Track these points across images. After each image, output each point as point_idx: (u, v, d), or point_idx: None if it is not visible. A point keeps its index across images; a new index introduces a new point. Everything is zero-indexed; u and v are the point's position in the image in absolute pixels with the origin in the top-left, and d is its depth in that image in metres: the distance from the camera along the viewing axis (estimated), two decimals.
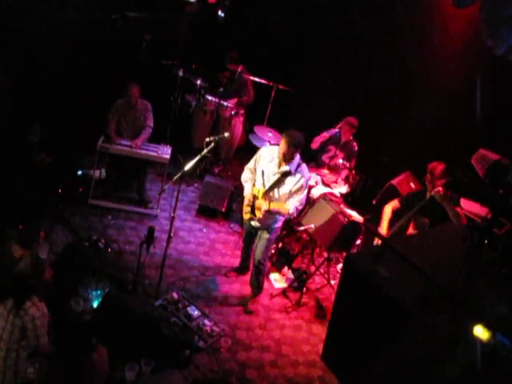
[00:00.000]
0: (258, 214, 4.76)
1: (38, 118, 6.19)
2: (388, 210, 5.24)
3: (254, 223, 4.91)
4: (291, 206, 4.63)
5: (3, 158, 5.55)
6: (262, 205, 4.67)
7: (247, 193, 4.89)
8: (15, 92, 6.06)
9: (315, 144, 6.51)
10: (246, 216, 4.94)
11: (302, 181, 4.61)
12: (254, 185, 4.84)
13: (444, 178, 4.83)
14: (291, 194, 4.64)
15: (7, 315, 3.54)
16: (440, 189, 4.76)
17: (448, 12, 5.79)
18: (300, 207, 4.77)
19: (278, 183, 4.66)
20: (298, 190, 4.63)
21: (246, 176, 4.96)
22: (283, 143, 4.50)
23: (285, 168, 4.60)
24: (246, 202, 4.89)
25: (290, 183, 4.62)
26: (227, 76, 7.80)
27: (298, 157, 4.64)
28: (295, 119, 7.79)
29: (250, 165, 4.92)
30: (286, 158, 4.57)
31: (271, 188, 4.68)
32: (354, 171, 6.43)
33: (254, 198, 4.79)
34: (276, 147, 4.69)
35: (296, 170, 4.61)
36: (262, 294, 5.38)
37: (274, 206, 4.65)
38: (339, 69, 7.28)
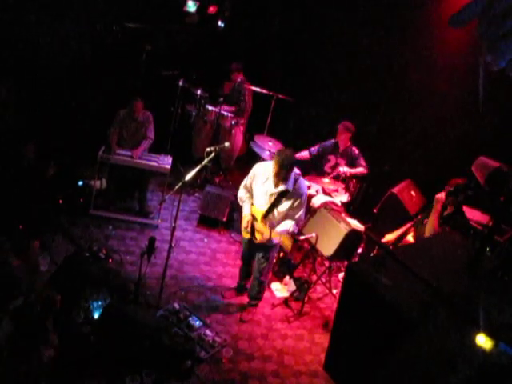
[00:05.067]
0: (259, 237, 4.68)
1: (33, 136, 6.14)
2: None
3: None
4: (291, 227, 4.57)
5: (4, 170, 5.55)
6: (264, 232, 4.59)
7: (246, 213, 4.77)
8: (16, 104, 6.09)
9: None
10: (246, 235, 4.85)
11: (301, 198, 4.55)
12: (252, 204, 4.76)
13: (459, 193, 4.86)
14: (290, 210, 4.59)
15: None
16: (442, 196, 4.76)
17: (446, 20, 5.82)
18: (301, 223, 4.73)
19: (276, 203, 4.58)
20: (297, 208, 4.57)
21: (242, 196, 4.83)
22: (275, 164, 4.38)
23: (282, 188, 4.51)
24: (244, 223, 4.75)
25: (289, 202, 4.55)
26: (228, 85, 7.83)
27: (293, 172, 4.54)
28: (295, 128, 7.81)
29: (245, 183, 4.81)
30: (280, 179, 4.46)
31: (270, 209, 4.61)
32: (368, 171, 6.41)
33: (254, 218, 4.71)
34: (270, 163, 4.56)
35: (294, 188, 4.53)
36: (263, 304, 5.36)
37: (274, 236, 4.55)
38: (339, 78, 7.31)
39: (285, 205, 4.57)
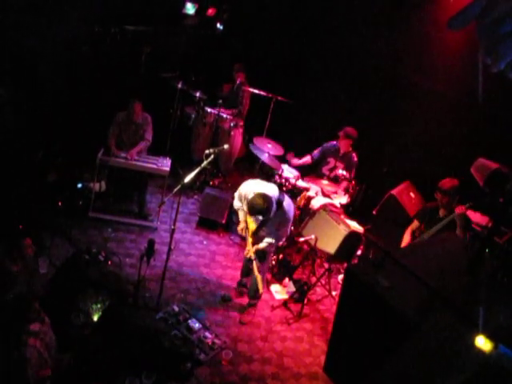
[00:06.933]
0: (250, 249, 4.92)
1: (42, 141, 6.15)
2: (407, 235, 5.27)
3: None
4: (273, 240, 4.79)
5: (5, 172, 5.55)
6: (250, 249, 4.89)
7: (241, 219, 5.01)
8: (17, 106, 6.08)
9: (293, 164, 6.60)
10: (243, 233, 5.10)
11: (286, 217, 4.68)
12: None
13: (455, 194, 4.86)
14: (277, 226, 4.74)
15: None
16: (464, 210, 4.72)
17: (445, 22, 5.82)
18: (284, 237, 4.98)
19: (263, 225, 4.77)
20: (283, 225, 4.73)
21: (237, 205, 4.99)
22: (246, 209, 4.61)
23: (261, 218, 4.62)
24: (241, 225, 5.01)
25: (275, 222, 4.68)
26: (227, 87, 7.84)
27: (274, 198, 4.52)
28: (294, 130, 7.81)
29: (238, 194, 4.90)
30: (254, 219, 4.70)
31: (258, 228, 4.82)
32: (353, 182, 6.42)
33: (247, 228, 4.93)
34: (255, 185, 4.68)
35: (276, 213, 4.58)
36: (262, 306, 5.35)
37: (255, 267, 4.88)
38: (339, 80, 7.31)
39: (271, 224, 4.72)
